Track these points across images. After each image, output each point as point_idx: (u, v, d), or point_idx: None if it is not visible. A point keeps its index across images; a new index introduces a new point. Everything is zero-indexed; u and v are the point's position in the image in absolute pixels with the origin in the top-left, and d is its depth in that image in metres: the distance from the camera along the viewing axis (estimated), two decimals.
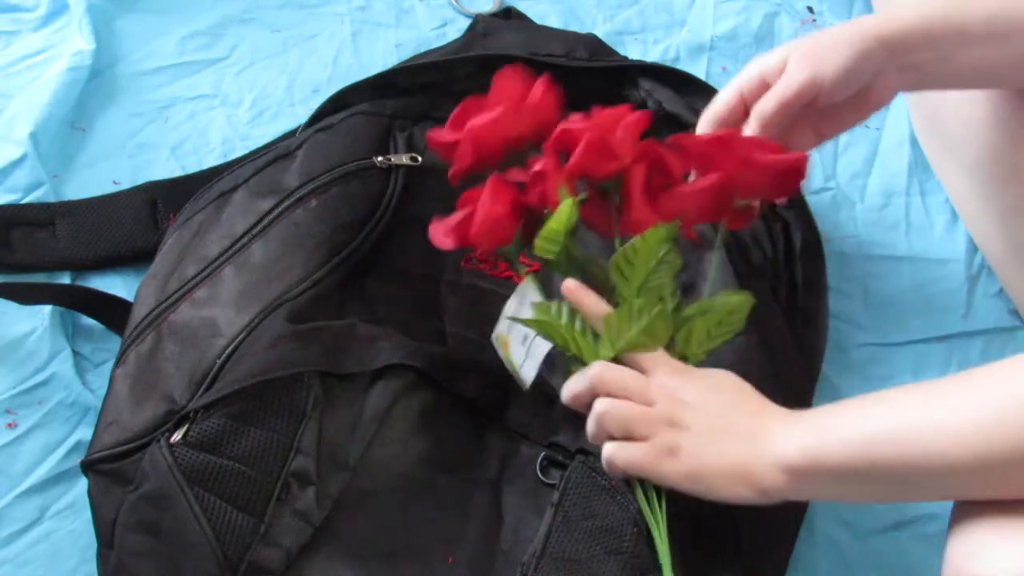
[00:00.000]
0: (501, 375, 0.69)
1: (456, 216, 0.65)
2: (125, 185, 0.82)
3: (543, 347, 0.63)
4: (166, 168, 0.85)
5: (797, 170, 0.65)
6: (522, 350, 0.65)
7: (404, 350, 0.66)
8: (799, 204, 0.79)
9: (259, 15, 0.96)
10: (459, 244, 0.66)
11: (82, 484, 0.68)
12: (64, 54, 0.87)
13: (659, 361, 0.60)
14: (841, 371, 0.82)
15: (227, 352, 0.64)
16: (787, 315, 0.77)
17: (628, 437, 0.58)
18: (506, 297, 0.75)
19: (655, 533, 0.58)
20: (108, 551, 0.61)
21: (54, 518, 0.69)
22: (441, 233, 0.66)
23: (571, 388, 0.60)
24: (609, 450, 0.58)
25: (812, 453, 0.54)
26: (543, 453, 0.67)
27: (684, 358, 0.62)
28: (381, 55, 0.95)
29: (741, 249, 0.77)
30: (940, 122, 0.86)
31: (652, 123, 0.83)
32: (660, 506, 0.59)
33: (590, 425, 0.59)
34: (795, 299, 0.78)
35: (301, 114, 0.88)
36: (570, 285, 0.62)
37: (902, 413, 0.53)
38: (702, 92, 0.82)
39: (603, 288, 0.63)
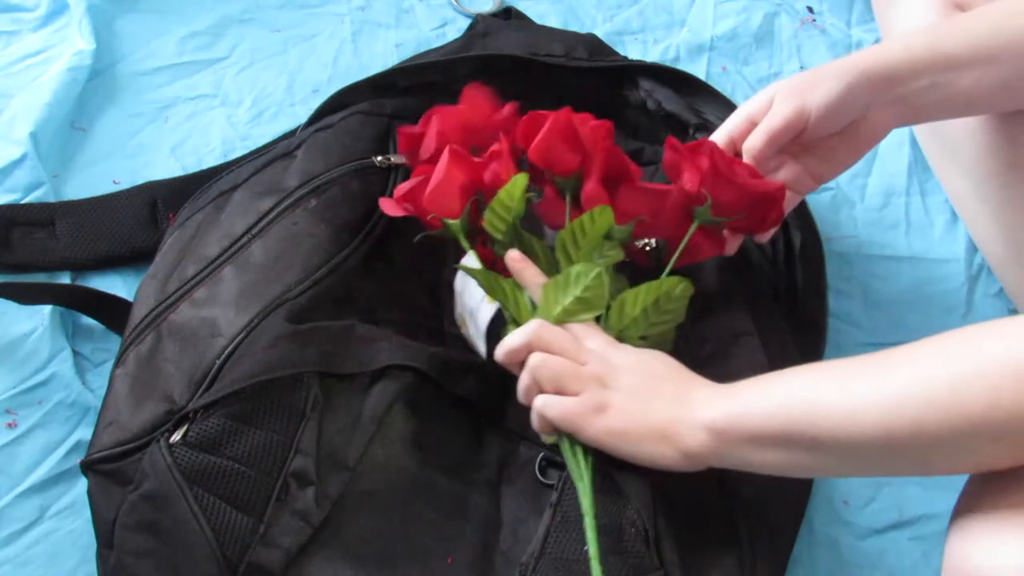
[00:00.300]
0: (500, 376, 0.69)
1: (409, 183, 0.68)
2: (125, 185, 0.82)
3: (486, 314, 0.66)
4: (166, 168, 0.85)
5: (774, 200, 0.66)
6: (472, 324, 0.67)
7: (403, 350, 0.66)
8: (799, 204, 0.79)
9: (259, 15, 0.96)
10: (408, 211, 0.68)
11: (82, 484, 0.68)
12: (64, 54, 0.87)
13: (593, 331, 0.63)
14: None
15: (227, 352, 0.64)
16: (787, 315, 0.77)
17: (559, 392, 0.60)
18: None
19: (580, 488, 0.60)
20: (108, 551, 0.61)
21: (54, 518, 0.69)
22: (392, 202, 0.69)
23: (508, 343, 0.62)
24: (540, 402, 0.60)
25: (733, 416, 0.57)
26: (542, 454, 0.67)
27: (620, 339, 0.63)
28: (381, 55, 0.95)
29: (741, 249, 0.77)
30: (940, 122, 0.86)
31: (652, 122, 0.84)
32: (586, 461, 0.60)
33: (523, 378, 0.61)
34: (795, 299, 0.78)
35: (301, 114, 0.88)
36: (514, 255, 0.65)
37: (819, 386, 0.55)
38: (702, 92, 0.82)
39: (547, 272, 0.65)
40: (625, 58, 0.85)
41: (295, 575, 0.61)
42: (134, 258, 0.79)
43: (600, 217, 0.64)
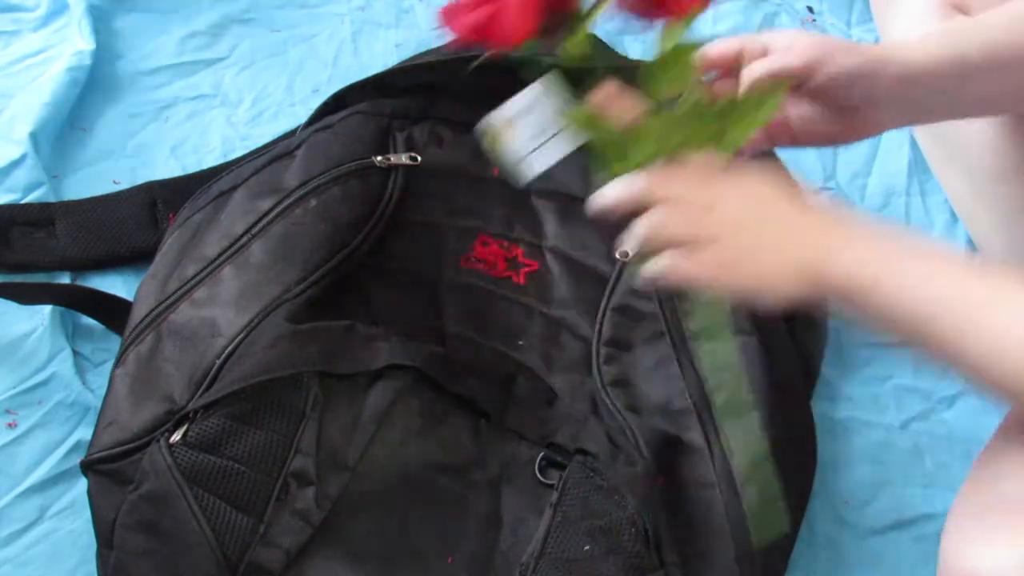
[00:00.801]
0: (500, 375, 0.69)
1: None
2: (125, 185, 0.82)
3: (563, 147, 0.62)
4: (166, 168, 0.85)
5: None
6: (531, 142, 0.63)
7: (403, 350, 0.66)
8: None
9: (259, 15, 0.96)
10: (472, 33, 0.61)
11: (82, 484, 0.68)
12: (64, 54, 0.87)
13: (705, 164, 0.59)
14: (841, 371, 0.82)
15: (227, 352, 0.64)
16: (787, 315, 0.77)
17: (678, 245, 0.57)
18: (505, 297, 0.75)
19: (723, 340, 0.60)
20: (108, 551, 0.61)
21: (54, 518, 0.69)
22: (455, 16, 0.62)
23: (620, 189, 0.58)
24: (665, 263, 0.56)
25: (868, 274, 0.54)
26: (542, 453, 0.67)
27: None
28: (381, 55, 0.95)
29: None
30: (940, 123, 0.86)
31: None
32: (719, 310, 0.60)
33: (643, 231, 0.57)
34: None
35: (301, 114, 0.88)
36: (610, 88, 0.60)
37: (964, 301, 0.53)
38: None
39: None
40: (625, 58, 0.85)
41: (295, 575, 0.61)
42: (134, 258, 0.79)
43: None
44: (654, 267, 0.57)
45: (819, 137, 0.68)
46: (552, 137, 0.62)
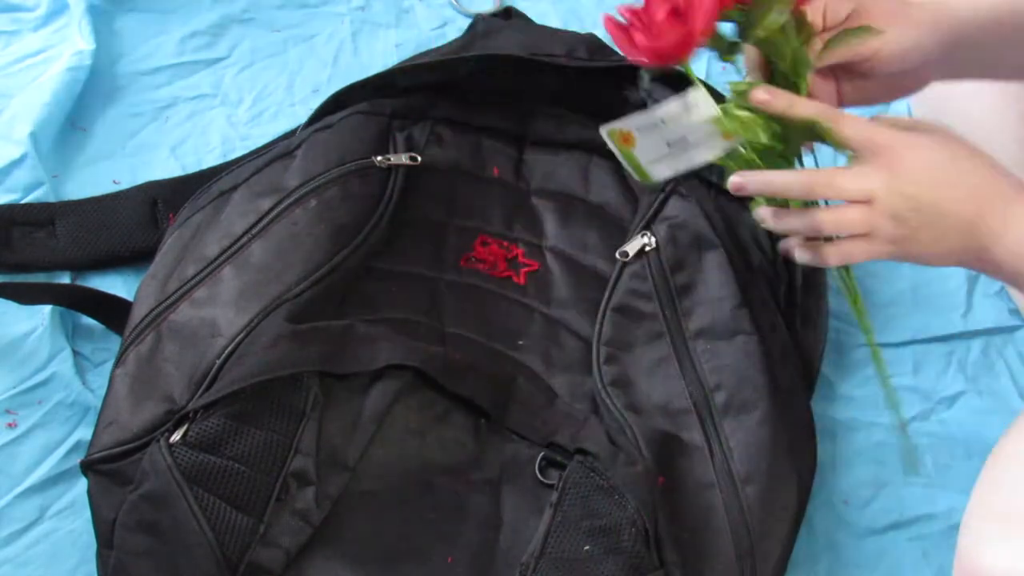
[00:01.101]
0: (500, 375, 0.69)
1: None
2: (125, 185, 0.82)
3: (701, 156, 0.63)
4: (166, 168, 0.85)
5: None
6: (662, 150, 0.64)
7: (403, 350, 0.66)
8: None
9: (259, 15, 0.96)
10: (646, 52, 0.62)
11: (82, 484, 0.68)
12: (64, 54, 0.87)
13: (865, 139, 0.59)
14: (841, 371, 0.82)
15: (227, 352, 0.64)
16: (786, 315, 0.77)
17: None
18: (505, 297, 0.75)
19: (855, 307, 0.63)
20: (108, 551, 0.61)
21: (54, 518, 0.69)
22: (627, 33, 0.63)
23: (785, 180, 0.59)
24: (829, 251, 0.59)
25: None
26: (542, 453, 0.67)
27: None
28: (381, 55, 0.95)
29: (741, 249, 0.77)
30: (940, 116, 0.86)
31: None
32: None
33: (807, 226, 0.59)
34: (794, 299, 0.78)
35: (301, 114, 0.88)
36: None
37: None
38: None
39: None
40: (625, 58, 0.84)
41: (295, 575, 0.61)
42: (134, 258, 0.79)
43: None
44: (822, 253, 0.59)
45: (870, 99, 0.68)
46: (689, 147, 0.64)
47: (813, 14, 0.62)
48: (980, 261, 0.58)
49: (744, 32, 0.63)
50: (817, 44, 0.62)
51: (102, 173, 0.84)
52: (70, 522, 0.69)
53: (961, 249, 0.58)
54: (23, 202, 0.80)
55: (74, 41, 0.88)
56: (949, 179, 0.58)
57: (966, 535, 0.54)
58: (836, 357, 0.82)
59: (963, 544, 0.54)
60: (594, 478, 0.62)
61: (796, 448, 0.71)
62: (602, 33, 0.95)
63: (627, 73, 0.83)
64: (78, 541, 0.68)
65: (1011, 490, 0.52)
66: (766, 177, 0.60)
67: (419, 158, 0.77)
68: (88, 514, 0.64)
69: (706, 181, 0.81)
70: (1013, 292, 0.86)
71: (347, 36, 0.96)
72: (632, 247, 0.74)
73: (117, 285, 0.78)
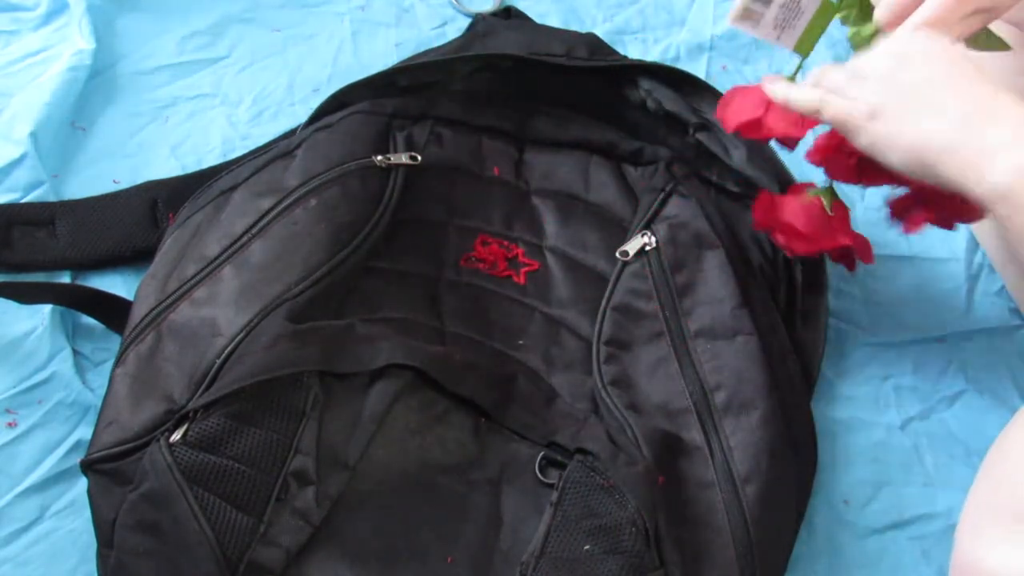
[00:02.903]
0: (500, 375, 0.69)
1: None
2: (125, 185, 0.82)
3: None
4: (166, 168, 0.85)
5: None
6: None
7: (403, 350, 0.66)
8: None
9: (259, 14, 0.96)
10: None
11: (82, 484, 0.68)
12: (64, 54, 0.87)
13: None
14: (841, 371, 0.82)
15: (227, 352, 0.64)
16: (786, 315, 0.77)
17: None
18: (505, 297, 0.76)
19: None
20: (108, 551, 0.61)
21: (54, 517, 0.69)
22: (731, 107, 0.70)
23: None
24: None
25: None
26: (542, 453, 0.67)
27: None
28: (381, 55, 0.95)
29: (741, 249, 0.77)
30: None
31: (652, 122, 0.84)
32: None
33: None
34: (794, 299, 0.78)
35: (301, 113, 0.88)
36: None
37: None
38: (702, 92, 0.82)
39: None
40: (625, 58, 0.85)
41: (295, 574, 0.61)
42: (134, 258, 0.79)
43: None
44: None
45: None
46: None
47: None
48: (969, 167, 0.53)
49: None
50: None
51: (102, 173, 0.84)
52: (70, 522, 0.69)
53: (957, 139, 0.53)
54: (23, 202, 0.80)
55: (74, 41, 0.88)
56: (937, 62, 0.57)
57: (963, 532, 0.54)
58: (836, 357, 0.82)
59: (960, 540, 0.54)
60: (594, 478, 0.62)
61: (796, 448, 0.71)
62: (602, 32, 0.95)
63: (627, 73, 0.83)
64: (78, 541, 0.68)
65: (1011, 487, 0.52)
66: None
67: (419, 158, 0.77)
68: (88, 514, 0.64)
69: (706, 181, 0.82)
70: (1014, 293, 0.86)
71: (347, 36, 0.96)
72: (632, 247, 0.74)
73: (117, 285, 0.78)
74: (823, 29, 0.68)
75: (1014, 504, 0.52)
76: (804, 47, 0.69)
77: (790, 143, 0.69)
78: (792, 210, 0.71)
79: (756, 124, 0.68)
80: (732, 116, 0.69)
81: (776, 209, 0.72)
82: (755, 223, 0.74)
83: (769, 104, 0.67)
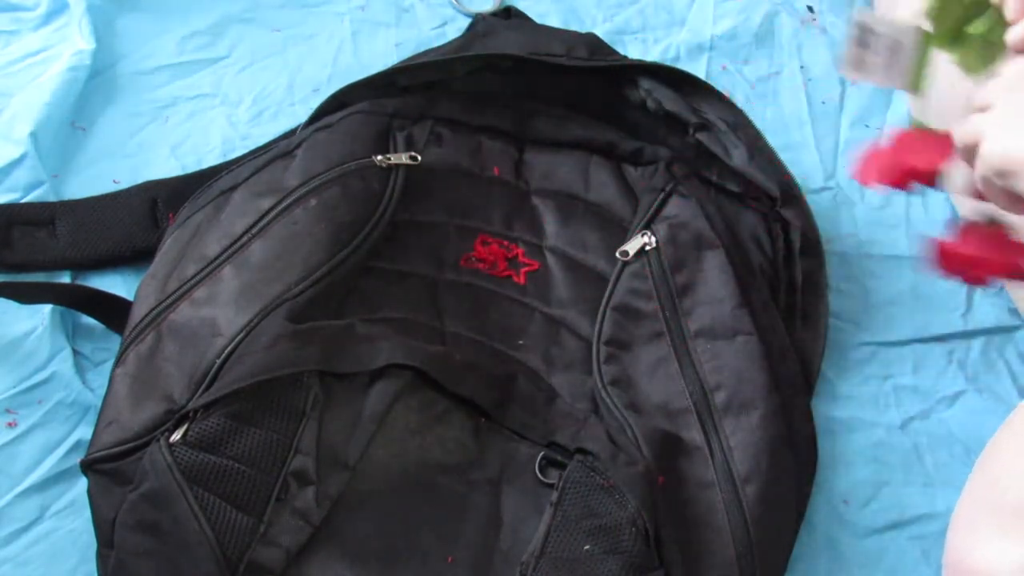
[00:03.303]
0: (500, 375, 0.69)
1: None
2: (125, 185, 0.82)
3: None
4: (166, 168, 0.85)
5: None
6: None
7: (403, 350, 0.66)
8: (798, 204, 0.80)
9: (259, 14, 0.96)
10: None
11: (82, 484, 0.68)
12: (64, 54, 0.87)
13: None
14: (841, 371, 0.82)
15: (227, 352, 0.64)
16: (786, 315, 0.77)
17: None
18: (505, 297, 0.76)
19: None
20: (108, 551, 0.61)
21: (54, 517, 0.69)
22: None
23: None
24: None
25: None
26: (542, 453, 0.67)
27: None
28: (381, 55, 0.95)
29: (741, 249, 0.77)
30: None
31: (652, 122, 0.84)
32: None
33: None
34: (794, 299, 0.78)
35: (301, 113, 0.88)
36: None
37: None
38: (702, 92, 0.82)
39: None
40: (625, 57, 0.85)
41: (295, 574, 0.61)
42: (134, 258, 0.79)
43: None
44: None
45: None
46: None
47: None
48: None
49: None
50: None
51: (102, 173, 0.84)
52: (70, 522, 0.69)
53: None
54: (23, 202, 0.80)
55: (74, 41, 0.88)
56: None
57: (955, 531, 0.54)
58: (836, 357, 0.82)
59: (952, 539, 0.54)
60: (594, 477, 0.62)
61: (796, 448, 0.71)
62: (602, 32, 0.95)
63: (627, 73, 0.83)
64: (78, 541, 0.68)
65: (1000, 486, 0.52)
66: None
67: (419, 158, 0.77)
68: (88, 514, 0.64)
69: (706, 181, 0.82)
70: (1014, 293, 0.86)
71: (347, 36, 0.96)
72: (632, 246, 0.74)
73: (117, 285, 0.78)
74: (927, 61, 0.66)
75: (1006, 500, 0.52)
76: (915, 84, 0.66)
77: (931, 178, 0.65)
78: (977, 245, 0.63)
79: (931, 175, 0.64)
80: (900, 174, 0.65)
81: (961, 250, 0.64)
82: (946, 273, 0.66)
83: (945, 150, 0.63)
